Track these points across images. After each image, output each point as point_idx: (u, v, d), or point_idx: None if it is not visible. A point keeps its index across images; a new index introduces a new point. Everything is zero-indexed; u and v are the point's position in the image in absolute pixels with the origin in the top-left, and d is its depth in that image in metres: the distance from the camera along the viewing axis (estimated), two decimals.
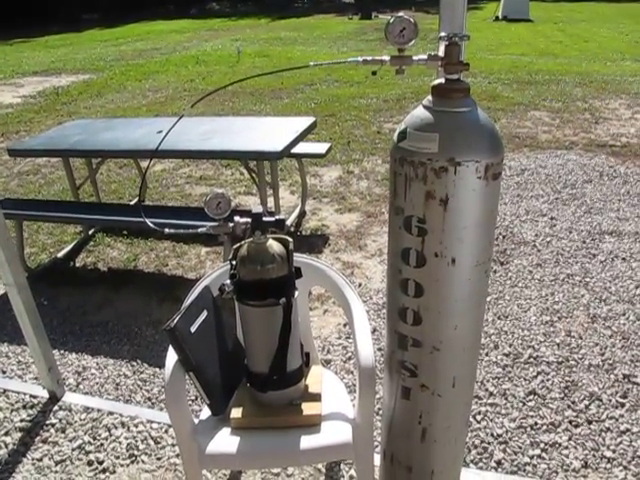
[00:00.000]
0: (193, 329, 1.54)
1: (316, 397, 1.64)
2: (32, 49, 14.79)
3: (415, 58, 1.22)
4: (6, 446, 2.19)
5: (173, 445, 2.13)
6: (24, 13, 21.28)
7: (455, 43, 1.18)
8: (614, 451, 2.03)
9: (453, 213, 1.18)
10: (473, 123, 1.18)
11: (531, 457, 2.02)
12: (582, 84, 7.66)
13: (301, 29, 16.19)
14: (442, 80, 1.21)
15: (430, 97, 1.21)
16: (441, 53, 1.21)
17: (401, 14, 1.21)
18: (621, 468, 1.96)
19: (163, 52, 12.83)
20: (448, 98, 1.19)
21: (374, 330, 2.75)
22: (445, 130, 1.16)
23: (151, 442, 2.16)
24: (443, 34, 1.20)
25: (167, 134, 1.69)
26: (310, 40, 13.70)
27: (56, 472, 2.06)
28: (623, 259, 3.28)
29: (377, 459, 1.78)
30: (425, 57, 1.22)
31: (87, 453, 2.13)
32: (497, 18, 16.20)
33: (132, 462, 2.08)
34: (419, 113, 1.21)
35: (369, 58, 1.26)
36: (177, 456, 2.08)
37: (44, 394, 2.42)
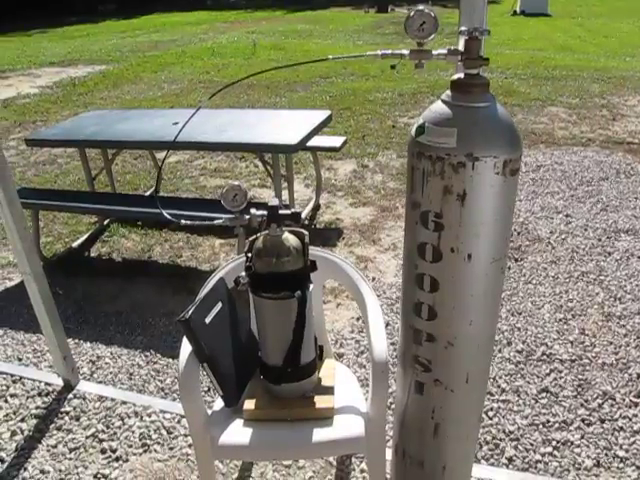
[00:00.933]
0: (208, 320, 1.55)
1: (329, 390, 1.65)
2: (49, 40, 14.88)
3: (435, 53, 1.22)
4: (22, 432, 2.22)
5: (186, 435, 2.14)
6: (41, 4, 21.41)
7: (475, 38, 1.17)
8: (627, 450, 2.02)
9: (470, 209, 1.18)
10: (492, 118, 1.17)
11: (543, 455, 2.01)
12: (600, 80, 7.57)
13: (317, 22, 16.13)
14: (461, 75, 1.20)
15: (449, 92, 1.21)
16: (461, 47, 1.20)
17: (421, 7, 1.20)
18: (634, 468, 1.95)
19: (179, 44, 12.85)
20: (467, 93, 1.18)
21: (387, 324, 2.75)
22: (463, 125, 1.15)
23: (164, 432, 2.18)
24: (463, 28, 1.19)
25: (184, 126, 1.69)
26: (326, 33, 13.65)
27: (70, 459, 2.09)
28: (639, 257, 3.25)
29: (389, 453, 1.78)
30: (445, 51, 1.21)
31: (100, 441, 2.16)
32: (515, 12, 16.04)
33: (145, 451, 2.10)
34: (437, 108, 1.20)
35: (388, 52, 1.26)
36: (190, 446, 2.09)
37: (59, 382, 2.46)
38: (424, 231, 1.25)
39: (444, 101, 1.20)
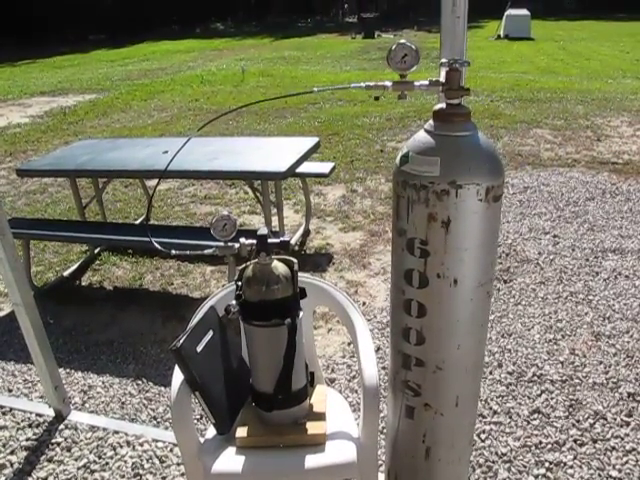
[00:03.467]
0: (199, 349, 1.56)
1: (321, 416, 1.65)
2: (40, 70, 14.98)
3: (417, 84, 1.26)
4: (12, 465, 2.20)
5: (178, 464, 2.13)
6: (32, 34, 21.60)
7: (456, 69, 1.22)
8: (620, 470, 2.02)
9: (455, 235, 1.21)
10: (474, 147, 1.21)
11: (536, 476, 2.02)
12: (584, 102, 7.71)
13: (304, 48, 16.36)
14: (443, 105, 1.24)
15: (432, 121, 1.24)
16: (442, 79, 1.24)
17: (403, 41, 1.24)
18: None
19: (168, 72, 12.98)
20: (449, 122, 1.22)
21: (378, 349, 2.75)
22: (446, 154, 1.19)
23: (156, 461, 2.16)
24: (444, 60, 1.23)
25: (175, 155, 1.72)
26: (314, 59, 13.84)
27: None
28: (626, 277, 3.29)
29: (381, 478, 1.78)
30: (427, 83, 1.25)
31: (92, 472, 2.14)
32: (499, 36, 16.35)
33: None
34: (421, 137, 1.24)
35: (372, 84, 1.30)
36: (182, 475, 2.08)
37: (50, 413, 2.44)
38: (410, 257, 1.27)
39: (427, 130, 1.24)
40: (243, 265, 1.53)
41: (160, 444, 2.24)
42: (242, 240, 1.53)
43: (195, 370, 1.51)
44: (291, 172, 3.13)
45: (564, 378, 2.50)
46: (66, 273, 3.73)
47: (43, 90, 11.34)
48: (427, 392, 1.41)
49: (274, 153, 3.39)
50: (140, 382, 2.63)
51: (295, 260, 1.53)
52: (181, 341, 1.50)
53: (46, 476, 2.13)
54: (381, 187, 4.89)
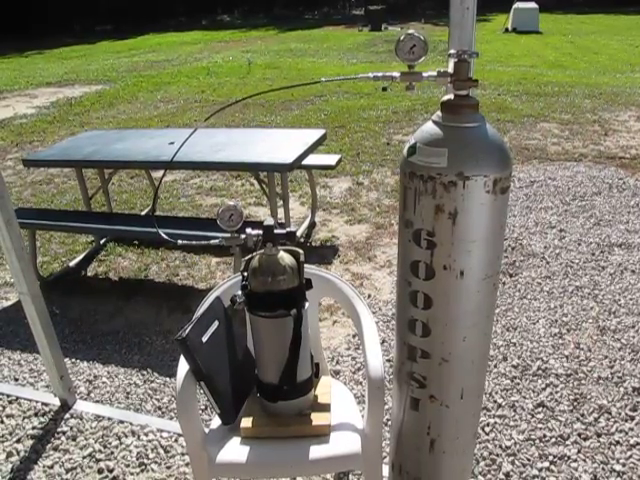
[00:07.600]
0: (204, 339, 1.56)
1: (325, 407, 1.66)
2: (46, 61, 14.99)
3: (425, 75, 1.25)
4: (18, 453, 2.21)
5: (183, 454, 2.14)
6: (38, 26, 21.60)
7: (464, 60, 1.21)
8: (624, 465, 2.02)
9: (462, 227, 1.20)
10: (482, 138, 1.20)
11: (540, 469, 2.02)
12: (592, 96, 7.66)
13: (311, 41, 16.29)
14: (451, 96, 1.23)
15: (439, 112, 1.24)
16: (450, 69, 1.23)
17: (411, 31, 1.23)
18: None
19: (174, 63, 12.95)
20: (457, 114, 1.21)
21: (383, 341, 2.76)
22: (454, 145, 1.18)
23: (161, 451, 2.17)
24: (452, 51, 1.22)
25: (181, 146, 1.72)
26: (320, 52, 13.78)
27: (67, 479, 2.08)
28: (632, 271, 3.28)
29: (385, 470, 1.79)
30: (435, 74, 1.24)
31: (97, 461, 2.15)
32: (507, 30, 16.25)
33: (142, 471, 2.10)
34: (428, 128, 1.23)
35: (379, 74, 1.29)
36: (187, 465, 2.09)
37: (55, 402, 2.45)
38: (417, 249, 1.27)
39: (435, 122, 1.23)
40: (249, 256, 1.52)
41: (165, 434, 2.25)
42: (248, 230, 1.53)
43: (200, 360, 1.52)
44: (297, 164, 3.12)
45: (569, 372, 2.49)
46: (72, 264, 3.74)
47: (49, 81, 11.35)
48: (432, 384, 1.41)
49: (280, 145, 3.38)
50: (145, 372, 2.64)
51: (301, 251, 1.53)
52: (187, 331, 1.50)
53: (52, 464, 2.15)
54: (387, 180, 4.87)
